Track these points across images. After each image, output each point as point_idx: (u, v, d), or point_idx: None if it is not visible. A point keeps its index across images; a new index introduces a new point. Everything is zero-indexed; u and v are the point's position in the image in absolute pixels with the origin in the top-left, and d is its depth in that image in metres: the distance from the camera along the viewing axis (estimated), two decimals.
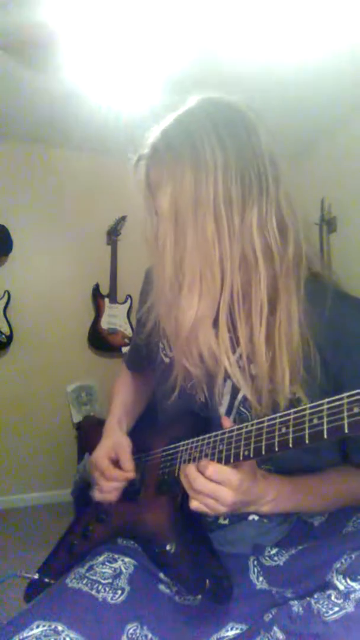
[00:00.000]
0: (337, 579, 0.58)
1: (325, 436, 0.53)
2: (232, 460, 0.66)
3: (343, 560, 0.61)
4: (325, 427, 0.54)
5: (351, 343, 0.71)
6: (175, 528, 0.75)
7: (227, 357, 0.73)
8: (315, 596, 0.59)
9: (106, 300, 2.90)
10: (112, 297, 2.90)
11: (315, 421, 0.55)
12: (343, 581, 0.57)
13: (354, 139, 2.55)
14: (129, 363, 1.11)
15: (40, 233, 2.86)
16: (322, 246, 2.63)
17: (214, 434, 0.72)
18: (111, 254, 2.91)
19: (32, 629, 0.61)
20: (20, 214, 2.79)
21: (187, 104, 0.76)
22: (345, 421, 0.51)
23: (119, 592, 0.70)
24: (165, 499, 0.79)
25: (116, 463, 0.89)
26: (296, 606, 0.62)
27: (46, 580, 0.87)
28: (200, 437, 0.75)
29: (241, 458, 0.65)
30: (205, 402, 0.83)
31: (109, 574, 0.73)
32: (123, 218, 2.86)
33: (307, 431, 0.56)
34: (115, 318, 2.89)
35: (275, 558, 0.77)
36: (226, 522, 0.82)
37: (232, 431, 0.68)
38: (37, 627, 0.62)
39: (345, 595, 0.56)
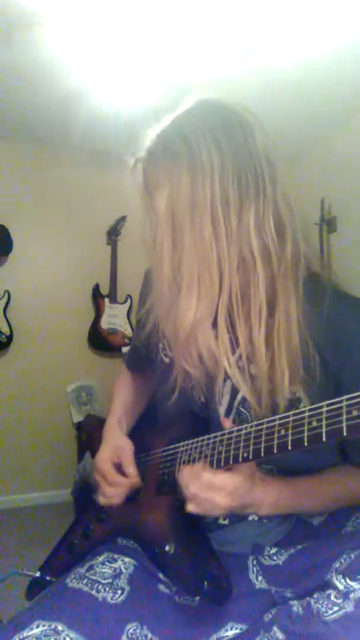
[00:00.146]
0: (337, 579, 0.58)
1: (324, 439, 0.53)
2: (231, 462, 0.67)
3: (342, 560, 0.62)
4: (324, 429, 0.54)
5: (351, 342, 0.71)
6: (174, 528, 0.75)
7: (226, 358, 0.73)
8: (315, 596, 0.60)
9: (106, 300, 2.90)
10: (112, 297, 2.90)
11: (315, 423, 0.55)
12: (342, 581, 0.58)
13: (354, 139, 2.55)
14: (129, 363, 1.11)
15: (40, 233, 2.86)
16: (322, 246, 2.63)
17: (213, 435, 0.73)
18: (111, 254, 2.91)
19: (32, 629, 0.61)
20: (20, 214, 2.79)
21: (183, 105, 0.76)
22: (344, 424, 0.51)
23: (119, 592, 0.70)
24: (165, 499, 0.79)
25: (119, 467, 0.89)
26: (296, 606, 0.62)
27: (47, 578, 0.87)
28: (200, 438, 0.75)
29: (240, 460, 0.65)
30: (205, 402, 0.83)
31: (109, 574, 0.73)
32: (123, 218, 2.86)
33: (306, 433, 0.56)
34: (115, 318, 2.89)
35: (275, 557, 0.77)
36: (226, 522, 0.82)
37: (231, 432, 0.69)
38: (37, 626, 0.62)
39: (345, 595, 0.56)
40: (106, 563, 0.76)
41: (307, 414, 0.57)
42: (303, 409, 0.58)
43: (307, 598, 0.61)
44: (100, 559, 0.78)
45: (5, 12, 1.69)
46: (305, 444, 0.56)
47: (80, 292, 2.92)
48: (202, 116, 0.73)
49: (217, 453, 0.70)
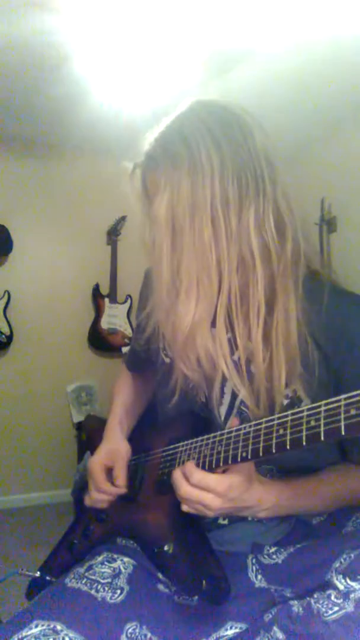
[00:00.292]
0: (337, 579, 0.58)
1: (323, 438, 0.53)
2: (230, 462, 0.67)
3: (342, 560, 0.62)
4: (322, 428, 0.54)
5: (352, 339, 0.71)
6: (173, 528, 0.75)
7: (224, 360, 0.73)
8: (315, 596, 0.59)
9: (106, 300, 2.90)
10: (112, 297, 2.90)
11: (313, 423, 0.55)
12: (343, 581, 0.58)
13: (354, 139, 2.55)
14: (129, 364, 1.11)
15: (40, 233, 2.86)
16: (322, 246, 2.63)
17: (212, 435, 0.72)
18: (111, 254, 2.91)
19: (31, 629, 0.61)
20: (20, 214, 2.79)
21: (180, 108, 0.76)
22: (342, 423, 0.51)
23: (118, 591, 0.70)
24: (165, 499, 0.79)
25: (111, 472, 0.90)
26: (296, 606, 0.62)
27: (48, 578, 0.87)
28: (200, 438, 0.75)
29: (239, 459, 0.65)
30: (205, 402, 0.83)
31: (108, 574, 0.73)
32: (123, 218, 2.86)
33: (304, 433, 0.56)
34: (115, 318, 2.90)
35: (274, 556, 0.77)
36: (225, 522, 0.82)
37: (230, 432, 0.68)
38: (36, 626, 0.62)
39: (345, 595, 0.56)
40: (105, 563, 0.76)
41: (305, 413, 0.57)
42: (302, 409, 0.58)
43: (307, 598, 0.61)
44: (100, 558, 0.78)
45: (10, 19, 1.69)
46: (304, 443, 0.56)
47: (80, 292, 2.92)
48: (201, 117, 0.73)
49: (217, 453, 0.69)
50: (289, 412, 0.60)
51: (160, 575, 0.76)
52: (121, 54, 1.93)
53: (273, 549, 0.78)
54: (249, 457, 0.63)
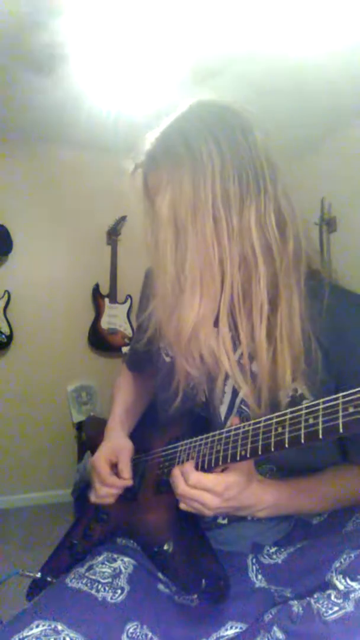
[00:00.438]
0: (337, 579, 0.58)
1: (321, 436, 0.54)
2: (229, 461, 0.67)
3: (343, 560, 0.62)
4: (320, 426, 0.54)
5: (354, 339, 0.71)
6: (173, 528, 0.75)
7: (227, 358, 0.73)
8: (315, 596, 0.60)
9: (106, 300, 2.90)
10: (112, 297, 2.90)
11: (311, 421, 0.55)
12: (343, 581, 0.58)
13: (354, 139, 2.55)
14: (129, 364, 1.11)
15: (40, 233, 2.86)
16: (322, 246, 2.63)
17: (212, 434, 0.73)
18: (111, 254, 2.91)
19: (32, 629, 0.61)
20: (20, 214, 2.79)
21: (182, 107, 0.77)
22: (340, 421, 0.52)
23: (119, 591, 0.70)
24: (164, 498, 0.79)
25: (115, 467, 0.89)
26: (296, 606, 0.62)
27: (48, 579, 0.87)
28: (199, 437, 0.75)
29: (238, 458, 0.65)
30: (205, 401, 0.83)
31: (109, 574, 0.73)
32: (123, 218, 2.86)
33: (302, 431, 0.56)
34: (115, 318, 2.90)
35: (274, 556, 0.77)
36: (225, 521, 0.82)
37: (229, 431, 0.69)
38: (37, 626, 0.62)
39: (345, 595, 0.56)
40: (106, 563, 0.76)
41: (304, 411, 0.57)
42: (300, 407, 0.58)
43: (307, 598, 0.61)
44: (100, 558, 0.78)
45: (6, 18, 1.69)
46: (302, 441, 0.56)
47: (80, 292, 2.92)
48: (201, 117, 0.73)
49: (215, 452, 0.70)
50: (288, 410, 0.60)
51: (160, 575, 0.76)
52: (121, 53, 1.93)
53: (273, 549, 0.78)
54: (248, 455, 0.63)
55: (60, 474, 2.81)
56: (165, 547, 0.72)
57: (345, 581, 0.57)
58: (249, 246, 0.69)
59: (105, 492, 0.87)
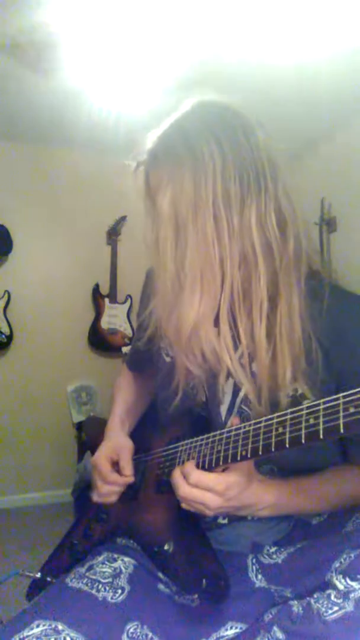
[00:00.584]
0: (337, 579, 0.59)
1: (321, 436, 0.54)
2: (229, 461, 0.67)
3: (342, 560, 0.62)
4: (321, 427, 0.54)
5: (354, 339, 0.72)
6: (173, 528, 0.75)
7: (228, 355, 0.73)
8: (315, 596, 0.60)
9: (106, 300, 2.90)
10: (112, 297, 2.90)
11: (312, 421, 0.55)
12: (343, 581, 0.58)
13: (354, 139, 2.55)
14: (130, 364, 1.11)
15: (40, 233, 2.87)
16: (322, 246, 2.63)
17: (212, 434, 0.73)
18: (111, 254, 2.91)
19: (32, 628, 0.62)
20: (20, 213, 2.79)
21: (182, 108, 0.77)
22: (341, 421, 0.52)
23: (119, 591, 0.70)
24: (165, 498, 0.79)
25: (116, 465, 0.89)
26: (296, 606, 0.62)
27: (48, 579, 0.87)
28: (199, 437, 0.75)
29: (239, 458, 0.65)
30: (206, 401, 0.83)
31: (109, 574, 0.74)
32: (123, 218, 2.86)
33: (303, 431, 0.56)
34: (115, 318, 2.90)
35: (274, 556, 0.77)
36: (225, 521, 0.82)
37: (230, 431, 0.69)
38: (38, 626, 0.62)
39: (345, 595, 0.56)
40: (106, 562, 0.76)
41: (304, 411, 0.57)
42: (301, 407, 0.58)
43: (307, 598, 0.61)
44: (100, 558, 0.78)
45: (6, 18, 1.69)
46: (303, 441, 0.56)
47: (80, 292, 2.92)
48: (203, 116, 0.74)
49: (216, 452, 0.70)
50: (288, 410, 0.60)
51: (161, 575, 0.76)
52: (122, 54, 1.93)
53: (273, 549, 0.78)
54: (249, 455, 0.63)
55: (60, 474, 2.81)
56: (166, 547, 0.72)
57: (345, 581, 0.57)
58: (249, 245, 0.70)
59: (108, 490, 0.86)
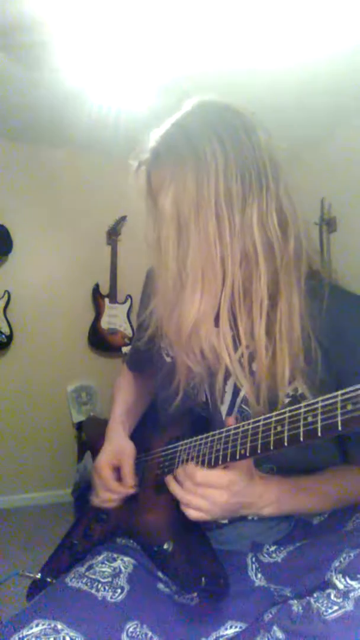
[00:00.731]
0: (337, 578, 0.59)
1: (320, 434, 0.54)
2: (228, 459, 0.67)
3: (342, 559, 0.62)
4: (319, 424, 0.54)
5: (354, 339, 0.72)
6: (173, 527, 0.75)
7: (227, 354, 0.74)
8: (315, 595, 0.60)
9: (106, 300, 2.90)
10: (112, 297, 2.90)
11: (310, 419, 0.56)
12: (342, 580, 0.58)
13: (354, 139, 2.55)
14: (130, 364, 1.11)
15: (40, 233, 2.86)
16: (322, 246, 2.63)
17: (211, 433, 0.73)
18: (111, 254, 2.91)
19: (32, 628, 0.62)
20: (20, 213, 2.79)
21: (184, 107, 0.77)
22: (339, 418, 0.52)
23: (119, 590, 0.70)
24: (164, 498, 0.79)
25: (118, 471, 0.89)
26: (295, 605, 0.62)
27: (48, 580, 0.87)
28: (199, 437, 0.76)
29: (238, 457, 0.65)
30: (206, 401, 0.83)
31: (109, 573, 0.74)
32: (123, 218, 2.87)
33: (301, 429, 0.56)
34: (115, 318, 2.90)
35: (274, 555, 0.77)
36: (225, 521, 0.82)
37: (229, 430, 0.69)
38: (37, 625, 0.62)
39: (345, 594, 0.56)
40: (106, 562, 0.76)
41: (302, 409, 0.57)
42: (299, 405, 0.58)
43: (307, 597, 0.61)
44: (100, 558, 0.78)
45: (4, 15, 1.69)
46: (301, 439, 0.56)
47: (80, 292, 2.92)
48: (205, 116, 0.74)
49: (215, 451, 0.70)
50: (287, 408, 0.60)
51: (160, 575, 0.76)
52: (122, 54, 1.93)
53: (273, 548, 0.78)
54: (247, 454, 0.64)
55: (60, 474, 2.81)
56: (165, 547, 0.72)
57: (345, 580, 0.57)
58: (250, 244, 0.70)
59: (108, 497, 0.87)
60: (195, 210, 0.70)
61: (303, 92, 2.25)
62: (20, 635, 0.61)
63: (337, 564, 0.62)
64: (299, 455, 0.74)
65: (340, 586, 0.57)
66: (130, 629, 0.65)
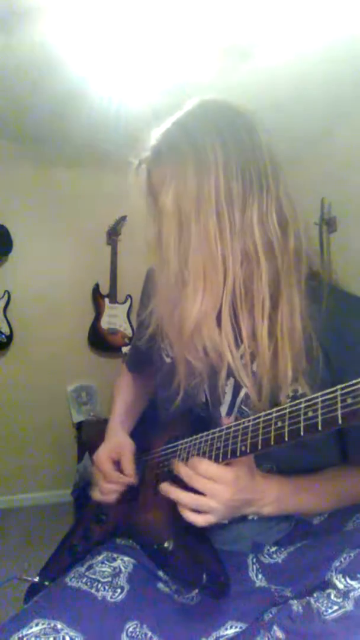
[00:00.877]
0: (337, 578, 0.59)
1: (320, 428, 0.54)
2: (229, 457, 0.67)
3: (342, 559, 0.62)
4: (319, 418, 0.54)
5: (354, 339, 0.72)
6: (173, 525, 0.75)
7: (230, 352, 0.74)
8: (315, 595, 0.60)
9: (106, 300, 2.90)
10: (112, 297, 2.90)
11: (310, 414, 0.56)
12: (342, 580, 0.58)
13: (354, 139, 2.55)
14: (129, 364, 1.11)
15: (40, 233, 2.86)
16: (322, 246, 2.63)
17: (211, 431, 0.73)
18: (111, 254, 2.91)
19: (31, 627, 0.62)
20: (20, 214, 2.79)
21: (186, 106, 0.78)
22: (339, 412, 0.52)
23: (119, 590, 0.70)
24: (164, 498, 0.79)
25: (118, 464, 0.89)
26: (296, 605, 0.62)
27: (46, 583, 0.87)
28: (198, 436, 0.75)
29: (238, 454, 0.65)
30: (206, 401, 0.83)
31: (109, 573, 0.74)
32: (123, 218, 2.87)
33: (302, 424, 0.56)
34: (115, 318, 2.90)
35: (275, 555, 0.77)
36: (225, 521, 0.82)
37: (229, 428, 0.69)
38: (37, 625, 0.62)
39: (345, 594, 0.56)
40: (105, 562, 0.76)
41: (303, 405, 0.57)
42: (299, 401, 0.58)
43: (307, 597, 0.61)
44: (100, 558, 0.78)
45: (3, 8, 1.69)
46: (302, 434, 0.56)
47: (80, 292, 2.92)
48: (206, 115, 0.75)
49: (216, 449, 0.70)
50: (287, 404, 0.60)
51: (160, 574, 0.76)
52: (121, 54, 1.93)
53: (273, 548, 0.78)
54: (248, 450, 0.63)
55: (60, 474, 2.81)
56: (166, 545, 0.72)
57: (345, 580, 0.57)
58: (250, 243, 0.70)
59: (109, 488, 0.87)
60: (196, 207, 0.70)
61: (302, 92, 2.25)
62: (20, 635, 0.61)
63: (337, 564, 0.62)
64: (299, 455, 0.74)
65: (341, 586, 0.57)
66: (130, 629, 0.65)
